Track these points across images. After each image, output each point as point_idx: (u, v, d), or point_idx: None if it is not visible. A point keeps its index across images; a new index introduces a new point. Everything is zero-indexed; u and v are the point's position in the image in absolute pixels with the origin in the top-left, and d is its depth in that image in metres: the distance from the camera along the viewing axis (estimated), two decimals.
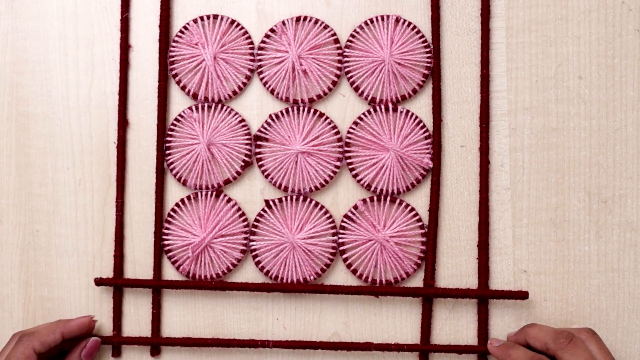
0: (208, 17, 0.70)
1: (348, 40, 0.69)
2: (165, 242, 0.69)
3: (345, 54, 0.69)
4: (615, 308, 0.68)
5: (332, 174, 0.69)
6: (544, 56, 0.69)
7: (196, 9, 0.71)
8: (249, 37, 0.70)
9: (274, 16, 0.70)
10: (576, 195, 0.68)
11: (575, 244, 0.68)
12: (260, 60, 0.70)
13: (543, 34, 0.69)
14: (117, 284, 0.69)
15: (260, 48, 0.70)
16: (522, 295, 0.67)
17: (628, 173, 0.68)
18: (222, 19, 0.70)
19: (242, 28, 0.70)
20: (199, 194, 0.69)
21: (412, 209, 0.68)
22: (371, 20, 0.69)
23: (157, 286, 0.69)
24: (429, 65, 0.69)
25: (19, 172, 0.71)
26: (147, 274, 0.70)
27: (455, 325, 0.68)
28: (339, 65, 0.69)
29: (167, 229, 0.70)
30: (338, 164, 0.69)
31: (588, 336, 0.62)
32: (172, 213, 0.70)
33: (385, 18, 0.69)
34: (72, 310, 0.70)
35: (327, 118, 0.69)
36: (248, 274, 0.70)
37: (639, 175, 0.68)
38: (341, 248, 0.69)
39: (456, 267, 0.69)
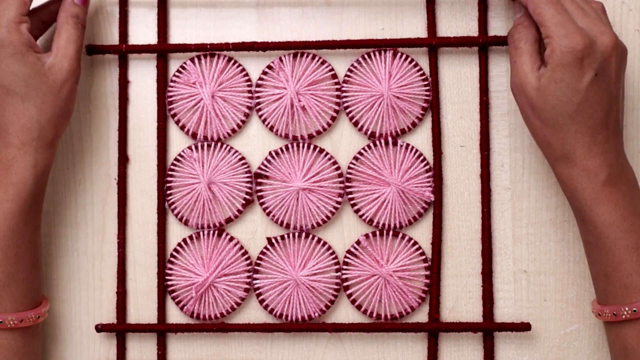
0: (205, 55, 0.70)
1: (346, 75, 0.69)
2: (169, 283, 0.69)
3: (343, 88, 0.69)
4: None
5: (333, 210, 0.69)
6: None
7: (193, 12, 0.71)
8: (247, 75, 0.70)
9: (274, 15, 0.70)
10: None
11: (575, 244, 0.68)
12: (258, 97, 0.70)
13: None
14: (120, 330, 0.69)
15: (258, 85, 0.70)
16: (525, 327, 0.67)
17: None
18: (218, 57, 0.70)
19: (240, 65, 0.70)
20: (201, 233, 0.69)
21: (415, 243, 0.68)
22: (368, 55, 0.69)
23: (160, 330, 0.69)
24: (427, 98, 0.69)
25: None
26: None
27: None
28: (337, 100, 0.69)
29: (170, 269, 0.70)
30: (339, 199, 0.69)
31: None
32: (174, 253, 0.70)
33: (382, 52, 0.69)
34: (72, 310, 0.70)
35: (327, 154, 0.69)
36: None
37: (638, 175, 0.68)
38: (345, 284, 0.69)
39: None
